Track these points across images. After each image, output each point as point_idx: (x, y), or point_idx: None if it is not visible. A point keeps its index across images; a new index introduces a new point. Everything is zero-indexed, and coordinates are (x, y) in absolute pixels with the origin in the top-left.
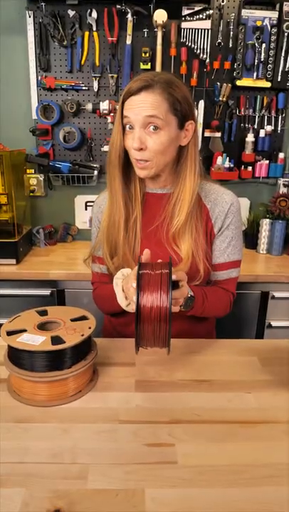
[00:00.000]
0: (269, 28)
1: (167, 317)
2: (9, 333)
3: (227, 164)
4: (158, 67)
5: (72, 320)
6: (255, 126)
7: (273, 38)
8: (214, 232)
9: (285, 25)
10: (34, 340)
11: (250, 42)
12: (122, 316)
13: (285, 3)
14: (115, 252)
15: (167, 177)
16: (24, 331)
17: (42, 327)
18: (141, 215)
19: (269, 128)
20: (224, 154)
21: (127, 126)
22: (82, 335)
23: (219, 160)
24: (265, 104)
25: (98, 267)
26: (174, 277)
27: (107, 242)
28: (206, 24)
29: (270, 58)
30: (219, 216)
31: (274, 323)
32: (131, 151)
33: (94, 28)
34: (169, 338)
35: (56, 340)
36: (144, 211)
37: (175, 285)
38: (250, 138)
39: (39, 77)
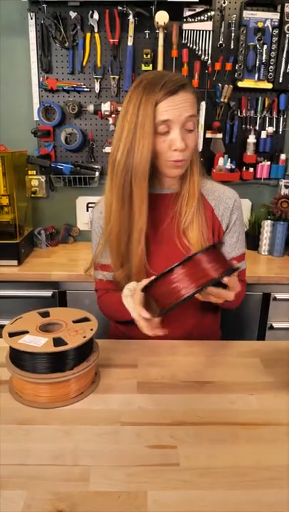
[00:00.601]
0: (270, 29)
1: (179, 299)
2: (11, 335)
3: (228, 165)
4: (159, 69)
5: (74, 321)
6: (257, 128)
7: (275, 39)
8: (222, 228)
9: (286, 27)
10: (36, 342)
11: (251, 43)
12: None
13: (286, 4)
14: (127, 260)
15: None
16: (26, 332)
17: (44, 329)
18: (151, 216)
19: (270, 129)
20: (226, 155)
21: (162, 131)
22: (85, 336)
23: (220, 161)
24: (266, 105)
25: (102, 275)
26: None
27: (117, 253)
28: (208, 25)
29: (272, 59)
30: (225, 213)
31: (276, 325)
32: (167, 154)
33: (95, 30)
34: (166, 311)
35: (58, 341)
36: (150, 214)
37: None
38: (251, 139)
39: (41, 79)
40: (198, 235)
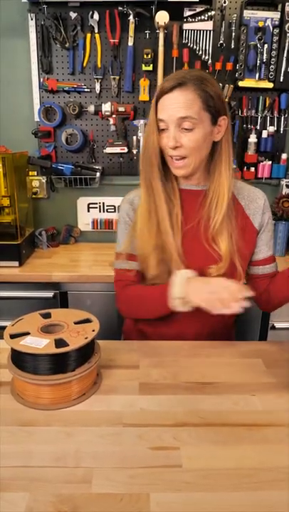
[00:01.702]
0: (271, 28)
1: None
2: (12, 336)
3: None
4: (160, 69)
5: (75, 323)
6: (258, 127)
7: (275, 38)
8: (255, 228)
9: (287, 26)
10: (37, 343)
11: (252, 43)
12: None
13: (287, 3)
14: (162, 252)
15: (201, 174)
16: (27, 333)
17: (45, 330)
18: (181, 212)
19: (271, 129)
20: None
21: (161, 128)
22: (86, 337)
23: None
24: (267, 104)
25: (128, 264)
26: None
27: (148, 243)
28: (208, 25)
29: (273, 59)
30: (257, 212)
31: (278, 325)
32: (166, 150)
33: (96, 30)
34: None
35: (60, 343)
36: (183, 207)
37: None
38: (252, 139)
39: (41, 79)
40: (229, 244)
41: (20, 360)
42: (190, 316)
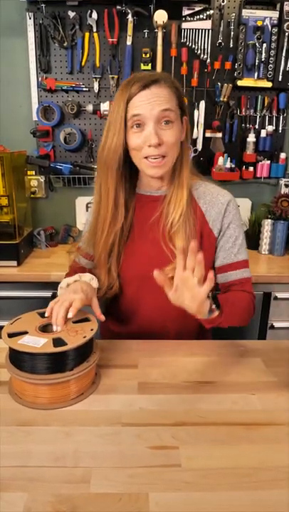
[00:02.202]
0: (270, 27)
1: None
2: (10, 335)
3: (228, 165)
4: (158, 68)
5: (74, 322)
6: (257, 127)
7: (274, 37)
8: (214, 234)
9: (285, 25)
10: (35, 343)
11: (250, 42)
12: (114, 314)
13: (285, 2)
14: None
15: (166, 177)
16: (25, 333)
17: (43, 329)
18: (133, 219)
19: (270, 128)
20: (225, 155)
21: (135, 125)
22: (85, 337)
23: (220, 160)
24: (266, 104)
25: (79, 259)
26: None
27: (92, 243)
28: (207, 24)
29: (271, 58)
30: (217, 218)
31: (276, 324)
32: (140, 150)
33: (94, 29)
34: None
35: (58, 342)
36: (136, 214)
37: None
38: (251, 138)
39: (39, 79)
40: (185, 243)
41: (18, 359)
42: (153, 314)
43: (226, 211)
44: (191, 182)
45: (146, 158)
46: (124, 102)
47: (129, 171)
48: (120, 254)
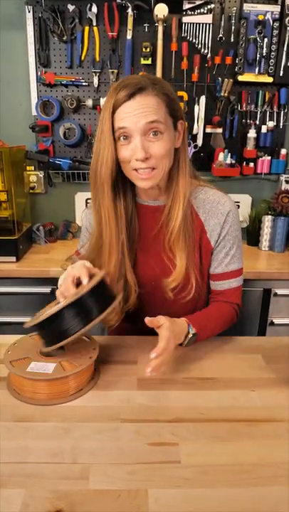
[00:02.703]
0: (271, 22)
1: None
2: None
3: (229, 160)
4: (159, 63)
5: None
6: (257, 122)
7: (275, 32)
8: (211, 245)
9: (287, 20)
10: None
11: (251, 36)
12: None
13: None
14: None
15: (162, 186)
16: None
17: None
18: (138, 229)
19: (271, 124)
20: (226, 150)
21: (122, 137)
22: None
23: (221, 156)
24: (267, 99)
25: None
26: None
27: (97, 258)
28: (208, 18)
29: (272, 53)
30: (215, 229)
31: (276, 321)
32: (129, 163)
33: (94, 23)
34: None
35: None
36: (140, 223)
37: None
38: (252, 134)
39: (39, 73)
40: (184, 254)
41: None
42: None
43: (225, 222)
44: (190, 188)
45: (135, 170)
46: (110, 112)
47: (128, 180)
48: (132, 262)
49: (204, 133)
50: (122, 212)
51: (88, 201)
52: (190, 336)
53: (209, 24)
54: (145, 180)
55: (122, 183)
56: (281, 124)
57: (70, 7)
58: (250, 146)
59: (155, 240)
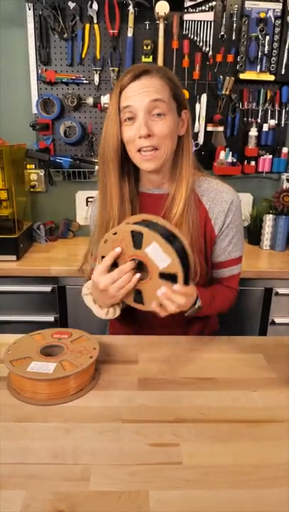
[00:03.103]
0: (273, 19)
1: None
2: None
3: (230, 159)
4: (160, 60)
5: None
6: (259, 120)
7: (277, 30)
8: (215, 233)
9: None
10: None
11: (253, 34)
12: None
13: None
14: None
15: (166, 173)
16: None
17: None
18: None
19: (272, 122)
20: (227, 149)
21: (126, 117)
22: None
23: (222, 155)
24: (268, 97)
25: (92, 265)
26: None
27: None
28: (209, 16)
29: (274, 51)
30: (219, 216)
31: (277, 320)
32: (133, 143)
33: (95, 21)
34: None
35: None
36: (141, 212)
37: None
38: (253, 132)
39: (39, 71)
40: (187, 237)
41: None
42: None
43: (229, 210)
44: (194, 178)
45: (139, 151)
46: (117, 93)
47: (132, 170)
48: None
49: (205, 131)
50: (126, 195)
51: (89, 200)
52: (195, 307)
53: (211, 22)
54: (148, 162)
55: (127, 171)
56: (283, 123)
57: (71, 4)
58: (252, 144)
59: None
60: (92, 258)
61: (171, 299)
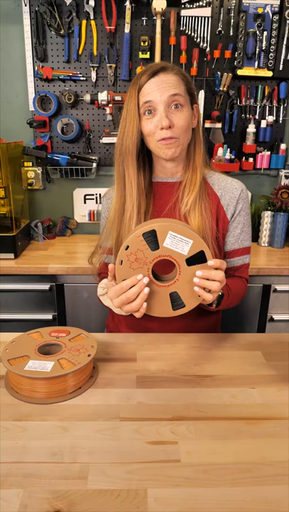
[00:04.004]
0: (270, 15)
1: None
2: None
3: (228, 155)
4: (157, 56)
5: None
6: (257, 117)
7: (275, 25)
8: (227, 218)
9: (286, 13)
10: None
11: (251, 30)
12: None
13: None
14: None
15: (180, 161)
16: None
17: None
18: (152, 206)
19: (270, 118)
20: (225, 145)
21: (146, 112)
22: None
23: (220, 151)
24: (266, 93)
25: (107, 257)
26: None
27: (117, 233)
28: (206, 12)
29: (272, 47)
30: (231, 202)
31: (276, 317)
32: (154, 135)
33: (91, 17)
34: None
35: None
36: (155, 200)
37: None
38: (251, 129)
39: (36, 68)
40: (200, 222)
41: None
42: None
43: (240, 198)
44: (203, 170)
45: (159, 141)
46: (136, 91)
47: (147, 161)
48: None
49: (203, 128)
50: (143, 186)
51: (87, 197)
52: (219, 293)
53: (208, 17)
54: (170, 149)
55: (142, 163)
56: (281, 119)
57: (67, 0)
58: (250, 141)
59: (170, 212)
60: (101, 250)
61: (210, 277)
